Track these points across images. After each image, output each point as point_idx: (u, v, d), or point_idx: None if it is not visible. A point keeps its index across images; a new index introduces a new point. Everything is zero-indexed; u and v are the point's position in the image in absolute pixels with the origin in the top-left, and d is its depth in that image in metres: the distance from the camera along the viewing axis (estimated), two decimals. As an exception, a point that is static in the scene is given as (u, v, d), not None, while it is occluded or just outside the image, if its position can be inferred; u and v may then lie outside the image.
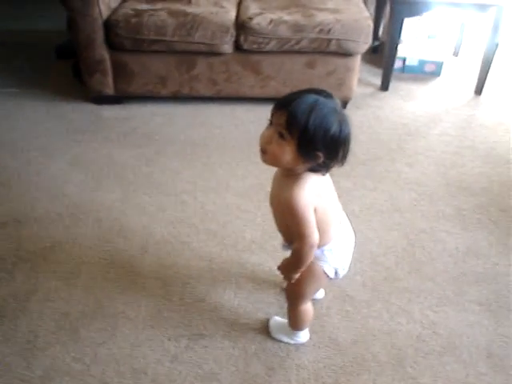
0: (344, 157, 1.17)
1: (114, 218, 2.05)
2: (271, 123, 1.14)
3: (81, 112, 2.84)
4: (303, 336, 1.55)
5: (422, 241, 1.96)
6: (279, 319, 1.60)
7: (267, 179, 2.15)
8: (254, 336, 1.58)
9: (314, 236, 1.20)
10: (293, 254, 1.27)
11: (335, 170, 1.21)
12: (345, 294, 1.72)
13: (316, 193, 1.19)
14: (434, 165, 2.43)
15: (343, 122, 1.12)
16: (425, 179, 2.32)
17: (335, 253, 1.30)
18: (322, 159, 1.13)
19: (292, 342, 1.55)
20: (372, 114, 2.88)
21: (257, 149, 1.18)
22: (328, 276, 1.34)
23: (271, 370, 1.48)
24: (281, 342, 1.55)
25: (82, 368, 1.48)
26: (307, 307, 1.46)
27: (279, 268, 1.36)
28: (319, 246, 1.25)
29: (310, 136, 1.09)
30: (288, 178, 1.20)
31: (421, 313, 1.66)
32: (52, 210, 2.09)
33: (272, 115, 1.14)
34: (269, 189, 1.34)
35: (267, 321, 1.61)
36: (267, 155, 1.16)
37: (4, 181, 2.27)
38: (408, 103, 3.00)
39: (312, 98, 1.10)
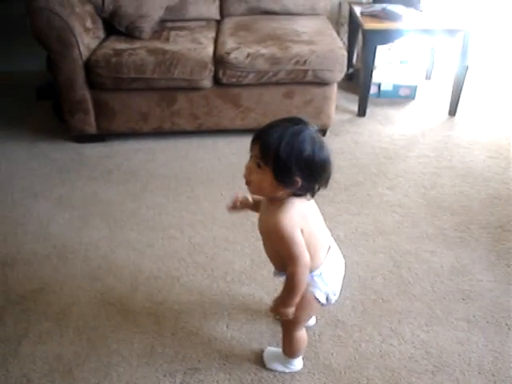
0: (326, 179, 1.20)
1: (102, 256, 2.05)
2: (251, 155, 1.20)
3: (63, 151, 2.86)
4: (297, 364, 1.56)
5: (407, 262, 2.00)
6: (273, 349, 1.61)
7: (253, 209, 2.19)
8: (249, 367, 1.58)
9: (306, 255, 1.22)
10: (288, 280, 1.27)
11: (318, 196, 1.25)
12: (336, 319, 1.74)
13: (301, 215, 1.23)
14: (415, 186, 2.49)
15: (317, 145, 1.15)
16: (406, 201, 2.37)
17: (325, 278, 1.32)
18: (300, 183, 1.17)
19: (287, 370, 1.55)
20: (351, 139, 2.94)
21: (240, 180, 1.22)
22: (319, 302, 1.36)
23: (268, 399, 1.48)
24: (276, 371, 1.56)
25: (78, 410, 1.47)
26: (301, 334, 1.48)
27: (274, 308, 1.35)
28: (309, 271, 1.27)
29: (283, 162, 1.13)
30: (273, 204, 1.24)
31: (412, 333, 1.69)
32: (39, 251, 2.09)
33: (250, 147, 1.20)
34: (255, 219, 1.37)
35: (261, 351, 1.62)
36: (251, 186, 1.22)
37: (-11, 224, 2.26)
38: (385, 127, 3.08)
39: (283, 126, 1.16)
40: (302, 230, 1.22)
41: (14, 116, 3.28)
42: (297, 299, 1.29)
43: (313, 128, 1.18)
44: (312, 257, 1.25)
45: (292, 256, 1.22)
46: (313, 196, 1.25)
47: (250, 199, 1.44)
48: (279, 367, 1.56)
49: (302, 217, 1.23)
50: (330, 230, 2.06)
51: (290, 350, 1.52)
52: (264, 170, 1.17)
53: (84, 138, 2.90)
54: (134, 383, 1.54)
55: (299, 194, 1.22)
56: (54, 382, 1.55)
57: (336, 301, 1.42)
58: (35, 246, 2.12)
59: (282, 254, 1.25)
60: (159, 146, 2.89)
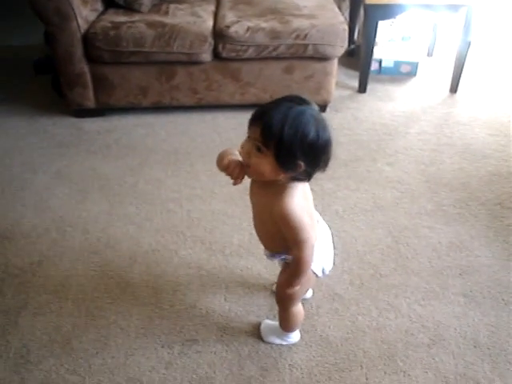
0: (326, 162, 1.16)
1: (101, 230, 2.06)
2: (249, 136, 1.14)
3: (62, 126, 2.84)
4: (295, 336, 1.57)
5: (405, 237, 2.00)
6: (270, 322, 1.62)
7: (251, 184, 2.19)
8: (246, 339, 1.59)
9: (313, 237, 1.21)
10: (295, 263, 1.25)
11: (317, 173, 1.21)
12: (333, 292, 1.75)
13: (304, 198, 1.22)
14: (414, 163, 2.48)
15: (321, 127, 1.10)
16: (405, 177, 2.37)
17: (318, 251, 1.32)
18: (303, 168, 1.12)
19: (284, 343, 1.57)
20: (351, 115, 2.93)
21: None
22: (316, 274, 1.36)
23: (265, 371, 1.50)
24: (273, 344, 1.57)
25: (77, 380, 1.48)
26: (298, 308, 1.48)
27: (279, 288, 1.35)
28: None
29: (287, 147, 1.08)
30: (272, 188, 1.19)
31: (408, 307, 1.70)
32: (38, 225, 2.09)
33: (248, 128, 1.14)
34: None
35: (258, 323, 1.63)
36: (250, 170, 1.17)
37: (-12, 198, 2.27)
38: (386, 104, 3.06)
39: (285, 106, 1.09)
40: (306, 213, 1.21)
41: (12, 90, 3.25)
42: (303, 280, 1.28)
43: (315, 107, 1.13)
44: None
45: (300, 240, 1.20)
46: (310, 179, 1.20)
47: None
48: (277, 340, 1.57)
49: (305, 198, 1.22)
50: (329, 206, 2.09)
51: (286, 325, 1.53)
52: (265, 154, 1.11)
53: (83, 113, 2.89)
54: (133, 354, 1.55)
55: (300, 178, 1.17)
56: (53, 352, 1.57)
57: (332, 274, 1.42)
58: (34, 220, 2.12)
59: (289, 239, 1.22)
60: (158, 121, 2.88)
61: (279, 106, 1.10)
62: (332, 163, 1.18)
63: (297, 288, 1.30)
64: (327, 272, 1.40)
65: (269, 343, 1.57)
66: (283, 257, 1.34)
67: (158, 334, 1.62)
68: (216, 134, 2.73)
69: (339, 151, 2.52)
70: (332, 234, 1.45)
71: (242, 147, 1.17)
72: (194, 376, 1.49)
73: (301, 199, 1.20)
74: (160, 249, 1.95)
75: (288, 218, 1.16)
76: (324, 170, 1.18)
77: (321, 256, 1.34)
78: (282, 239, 1.25)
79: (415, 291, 1.76)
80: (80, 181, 2.37)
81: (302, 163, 1.11)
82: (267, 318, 1.65)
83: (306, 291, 1.58)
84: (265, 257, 1.44)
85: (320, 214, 1.41)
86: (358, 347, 1.57)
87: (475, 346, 1.57)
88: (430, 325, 1.64)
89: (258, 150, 1.12)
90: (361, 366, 1.51)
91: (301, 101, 1.12)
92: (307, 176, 1.17)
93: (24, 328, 1.65)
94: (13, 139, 2.73)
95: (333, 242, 1.44)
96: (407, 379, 1.47)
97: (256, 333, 1.61)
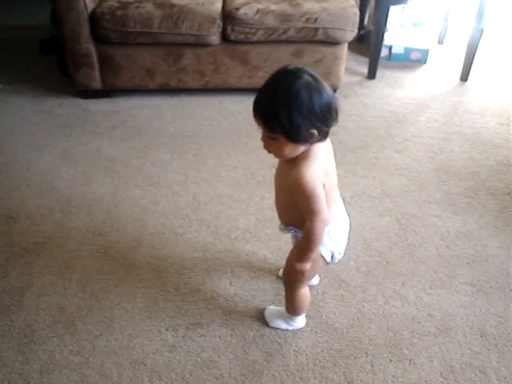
0: (335, 116, 1.15)
1: (106, 211, 2.04)
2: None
3: (68, 106, 2.82)
4: (300, 321, 1.56)
5: (413, 225, 1.98)
6: (274, 307, 1.61)
7: (257, 169, 2.19)
8: (251, 323, 1.58)
9: (326, 211, 1.20)
10: (306, 236, 1.24)
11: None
12: (339, 279, 1.74)
13: (323, 169, 1.20)
14: (423, 151, 2.45)
15: (314, 92, 1.09)
16: (414, 165, 2.34)
17: (332, 236, 1.31)
18: (316, 133, 1.12)
19: (290, 328, 1.56)
20: (360, 102, 2.89)
21: (246, 138, 1.20)
22: (325, 260, 1.35)
23: (270, 355, 1.49)
24: (278, 329, 1.56)
25: (81, 360, 1.48)
26: (305, 291, 1.47)
27: (288, 265, 1.34)
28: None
29: (290, 125, 1.09)
30: (294, 158, 1.20)
31: (415, 295, 1.68)
32: (43, 205, 2.08)
33: (255, 121, 1.16)
34: (260, 178, 1.35)
35: (264, 308, 1.62)
36: (274, 154, 1.21)
37: (-7, 177, 2.25)
38: (395, 91, 3.02)
39: (272, 88, 1.10)
40: (323, 185, 1.19)
41: (18, 70, 3.23)
42: (313, 255, 1.28)
43: (305, 72, 1.11)
44: None
45: (312, 211, 1.19)
46: (327, 136, 1.19)
47: None
48: (282, 325, 1.56)
49: (324, 171, 1.21)
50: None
51: (292, 307, 1.52)
52: (277, 139, 1.13)
53: (89, 94, 2.86)
54: (137, 336, 1.55)
55: (319, 139, 1.17)
56: (57, 333, 1.56)
57: (340, 260, 1.41)
58: (39, 200, 2.11)
59: (301, 209, 1.22)
60: (165, 103, 2.85)
61: (266, 90, 1.12)
62: (340, 149, 1.20)
63: (306, 265, 1.29)
64: (336, 260, 1.39)
65: (274, 328, 1.56)
66: (295, 230, 1.33)
67: (162, 316, 1.61)
68: (223, 118, 2.70)
69: (347, 137, 2.50)
70: (350, 225, 1.43)
71: (261, 140, 1.19)
72: (198, 359, 1.48)
73: (320, 171, 1.19)
74: (165, 232, 1.94)
75: (301, 186, 1.16)
76: (336, 122, 1.16)
77: (333, 241, 1.32)
78: (296, 211, 1.24)
79: (422, 279, 1.74)
80: (85, 162, 2.35)
81: (314, 130, 1.12)
82: (273, 303, 1.64)
83: (313, 276, 1.55)
84: (273, 239, 1.42)
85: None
86: (364, 334, 1.56)
87: (482, 336, 1.55)
88: (437, 313, 1.62)
89: (270, 137, 1.15)
90: (366, 354, 1.50)
91: (286, 73, 1.11)
92: (325, 135, 1.18)
93: (28, 308, 1.64)
94: (18, 119, 2.71)
95: (349, 233, 1.42)
96: (412, 367, 1.46)
97: (261, 317, 1.60)
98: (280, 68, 1.14)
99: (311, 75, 1.11)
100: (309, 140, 1.14)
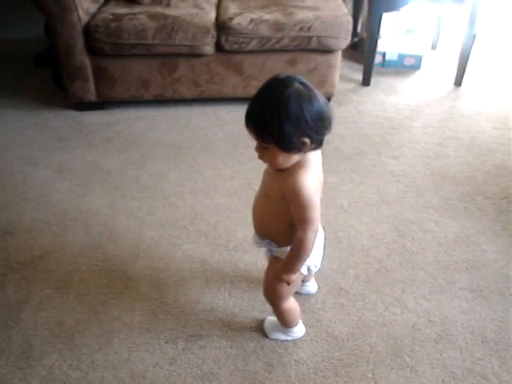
0: (328, 124, 1.13)
1: (103, 224, 2.03)
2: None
3: (63, 119, 2.82)
4: (298, 330, 1.55)
5: (411, 231, 1.98)
6: (273, 319, 1.59)
7: (254, 178, 2.18)
8: (251, 334, 1.58)
9: (319, 220, 1.20)
10: (296, 245, 1.22)
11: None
12: (339, 287, 1.73)
13: (317, 178, 1.20)
14: (419, 156, 2.45)
15: (305, 100, 1.08)
16: (410, 171, 2.34)
17: None
18: (309, 142, 1.11)
19: (289, 338, 1.55)
20: (355, 109, 2.90)
21: (242, 148, 1.19)
22: (301, 273, 1.35)
23: (270, 366, 1.48)
24: (278, 340, 1.55)
25: (80, 375, 1.47)
26: (289, 305, 1.46)
27: (267, 284, 1.36)
28: None
29: (281, 135, 1.08)
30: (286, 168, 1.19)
31: (415, 302, 1.68)
32: (39, 219, 2.07)
33: (248, 131, 1.15)
34: (257, 187, 1.34)
35: (263, 319, 1.61)
36: (269, 165, 1.21)
37: (-11, 192, 2.24)
38: (390, 97, 3.03)
39: (262, 99, 1.10)
40: (318, 195, 1.20)
41: (12, 84, 3.22)
42: (302, 265, 1.27)
43: (296, 80, 1.10)
44: None
45: (306, 220, 1.18)
46: (321, 145, 1.18)
47: None
48: (282, 336, 1.55)
49: (318, 180, 1.21)
50: (334, 200, 2.07)
51: (284, 321, 1.51)
52: (270, 149, 1.13)
53: (84, 106, 2.86)
54: (136, 350, 1.54)
55: (313, 148, 1.16)
56: (56, 347, 1.55)
57: (316, 272, 1.42)
58: (35, 214, 2.10)
59: (295, 218, 1.20)
60: (160, 114, 2.85)
61: (257, 101, 1.11)
62: (335, 156, 1.19)
63: (293, 276, 1.28)
64: (313, 272, 1.39)
65: (274, 340, 1.56)
66: (271, 245, 1.33)
67: (161, 329, 1.60)
68: (218, 128, 2.70)
69: (343, 144, 2.50)
70: (324, 237, 1.44)
71: (255, 150, 1.18)
72: (199, 372, 1.47)
73: (315, 180, 1.19)
74: (163, 243, 1.93)
75: (300, 194, 1.15)
76: (330, 131, 1.15)
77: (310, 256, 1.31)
78: (279, 221, 1.25)
79: (421, 286, 1.74)
80: (81, 175, 2.34)
81: (306, 139, 1.11)
82: (272, 313, 1.63)
83: (293, 291, 1.47)
84: (253, 244, 1.42)
85: (324, 208, 1.39)
86: (365, 342, 1.55)
87: (483, 342, 1.55)
88: (437, 320, 1.62)
89: (263, 147, 1.14)
90: (367, 362, 1.49)
91: (276, 83, 1.11)
92: (318, 144, 1.17)
93: (26, 323, 1.63)
94: (13, 133, 2.70)
95: (324, 244, 1.42)
96: (414, 375, 1.46)
97: (261, 328, 1.59)
98: (271, 77, 1.13)
99: (302, 83, 1.10)
100: (301, 149, 1.13)
